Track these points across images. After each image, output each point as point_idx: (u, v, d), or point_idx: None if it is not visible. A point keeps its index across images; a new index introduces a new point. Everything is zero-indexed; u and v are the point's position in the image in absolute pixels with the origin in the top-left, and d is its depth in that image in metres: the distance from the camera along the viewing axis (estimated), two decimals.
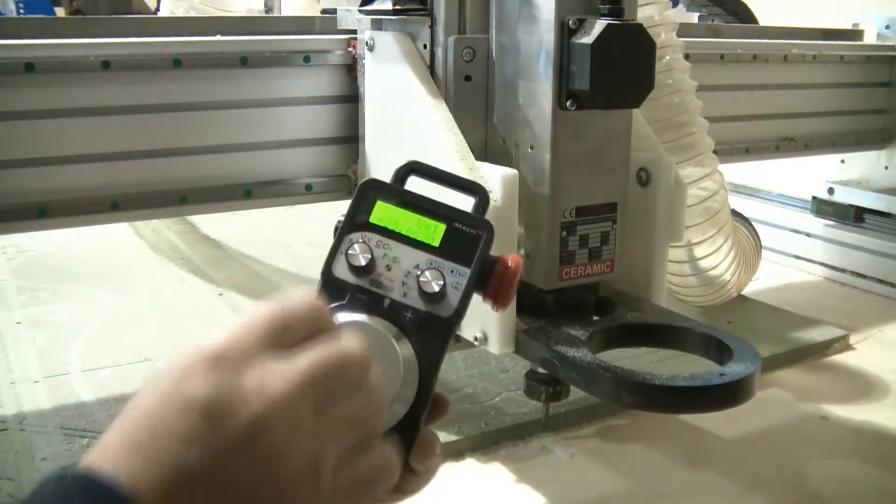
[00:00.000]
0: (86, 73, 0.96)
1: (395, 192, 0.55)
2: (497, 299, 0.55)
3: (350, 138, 1.10)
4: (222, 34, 1.07)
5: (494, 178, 0.84)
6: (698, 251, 1.29)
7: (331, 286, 0.52)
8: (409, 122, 0.94)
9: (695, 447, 1.14)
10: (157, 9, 2.13)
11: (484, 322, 0.89)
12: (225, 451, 0.40)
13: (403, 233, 0.53)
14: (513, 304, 0.87)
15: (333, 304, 0.52)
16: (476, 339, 0.90)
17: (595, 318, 0.93)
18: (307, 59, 1.07)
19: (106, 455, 0.40)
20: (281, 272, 1.82)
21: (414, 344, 0.51)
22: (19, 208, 0.96)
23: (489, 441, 1.13)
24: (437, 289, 0.52)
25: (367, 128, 1.04)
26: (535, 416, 1.16)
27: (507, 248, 0.84)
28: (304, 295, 0.46)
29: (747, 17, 2.06)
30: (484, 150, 0.95)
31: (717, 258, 1.30)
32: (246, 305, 1.63)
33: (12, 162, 0.95)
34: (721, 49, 1.45)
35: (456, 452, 1.10)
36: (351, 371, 0.44)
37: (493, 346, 0.88)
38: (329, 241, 0.55)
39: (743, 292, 1.61)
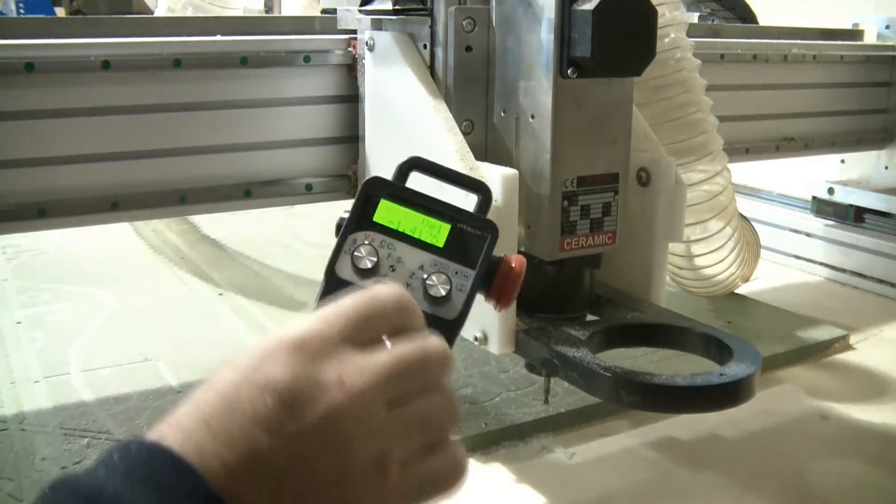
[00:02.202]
0: (86, 73, 0.96)
1: (399, 190, 0.55)
2: (500, 300, 0.55)
3: (350, 138, 1.10)
4: (222, 34, 1.07)
5: (494, 177, 0.84)
6: (704, 247, 1.29)
7: (334, 286, 0.52)
8: (409, 121, 0.94)
9: (695, 447, 1.14)
10: (156, 6, 2.12)
11: (484, 322, 0.89)
12: (297, 439, 0.40)
13: (407, 233, 0.53)
14: (513, 304, 0.87)
15: None
16: (476, 338, 0.90)
17: (594, 317, 0.93)
18: (307, 59, 1.07)
19: (178, 428, 0.40)
20: (281, 272, 1.82)
21: None
22: (19, 208, 0.96)
23: (489, 441, 1.13)
24: (444, 293, 0.52)
25: (367, 128, 1.04)
26: (535, 416, 1.16)
27: (508, 248, 0.84)
28: (391, 288, 0.46)
29: (747, 16, 2.06)
30: (485, 123, 0.95)
31: (722, 254, 1.30)
32: (246, 305, 1.63)
33: (12, 162, 0.95)
34: (721, 49, 1.45)
35: None
36: (431, 370, 0.44)
37: (493, 346, 0.88)
38: (329, 241, 0.55)
39: (743, 292, 1.61)
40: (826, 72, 1.62)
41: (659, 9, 0.85)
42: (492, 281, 0.54)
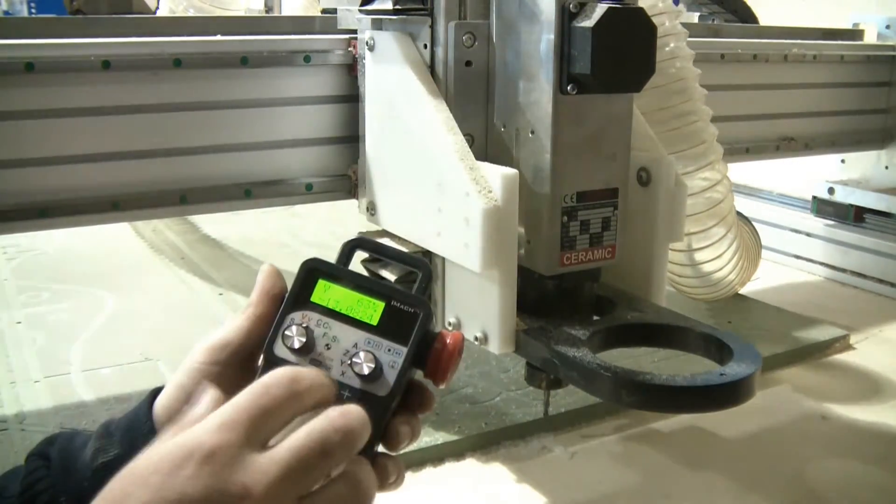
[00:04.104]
0: (86, 72, 0.96)
1: (336, 270, 0.57)
2: (435, 377, 0.56)
3: (350, 138, 1.10)
4: (223, 34, 1.07)
5: (494, 177, 0.83)
6: (705, 254, 1.29)
7: (272, 365, 0.53)
8: (409, 121, 0.94)
9: (695, 447, 1.14)
10: (157, 7, 2.12)
11: (484, 322, 0.89)
12: None
13: (343, 311, 0.55)
14: (514, 302, 0.87)
15: None
16: (476, 338, 0.90)
17: (595, 317, 0.93)
18: (307, 59, 1.06)
19: None
20: (281, 272, 1.81)
21: None
22: (19, 208, 0.95)
23: (489, 441, 1.13)
24: (367, 371, 0.53)
25: (367, 128, 1.04)
26: (535, 416, 1.17)
27: (510, 248, 0.84)
28: (280, 374, 0.47)
29: (748, 16, 2.06)
30: (485, 137, 0.95)
31: (724, 260, 1.30)
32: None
33: (12, 162, 0.94)
34: (721, 49, 1.45)
35: (456, 452, 1.10)
36: (333, 455, 0.46)
37: (494, 346, 0.88)
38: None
39: (743, 292, 1.61)
40: (826, 72, 1.62)
41: (658, 18, 0.85)
42: (426, 357, 0.55)
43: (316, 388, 0.48)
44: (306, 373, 0.49)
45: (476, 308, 0.90)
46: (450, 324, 0.94)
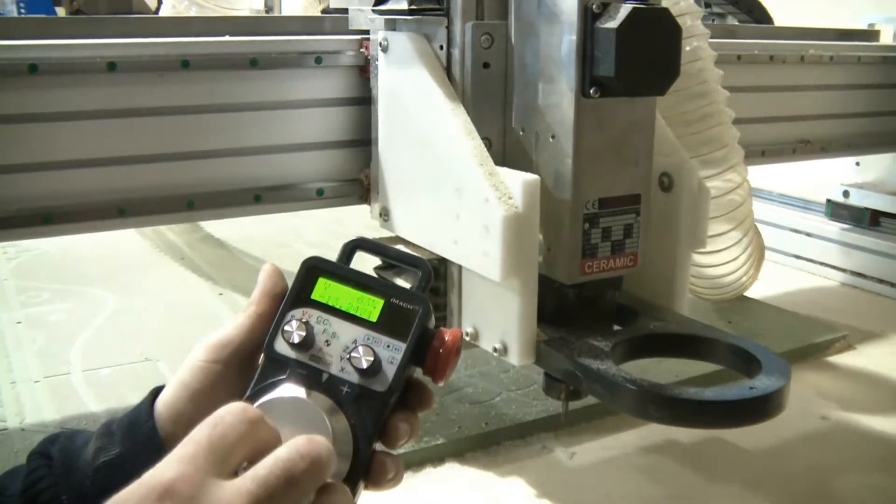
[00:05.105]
0: (91, 74, 0.93)
1: (336, 268, 0.57)
2: (434, 374, 0.56)
3: (362, 141, 1.07)
4: (231, 35, 1.05)
5: (515, 183, 0.81)
6: (720, 257, 1.28)
7: (272, 361, 0.54)
8: (424, 125, 0.92)
9: (695, 447, 1.14)
10: (158, 8, 2.10)
11: (503, 332, 0.86)
12: None
13: (343, 308, 0.55)
14: (534, 312, 0.85)
15: (272, 380, 0.53)
16: (495, 349, 0.88)
17: (616, 327, 0.91)
18: (318, 61, 1.04)
19: None
20: (282, 272, 1.80)
21: (350, 418, 0.52)
22: (23, 214, 0.93)
23: (489, 441, 1.13)
24: (365, 365, 0.53)
25: (380, 131, 1.02)
26: (535, 417, 1.16)
27: (530, 257, 0.82)
28: (233, 407, 0.47)
29: (763, 17, 2.04)
30: (503, 141, 0.92)
31: (737, 263, 1.29)
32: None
33: (15, 167, 0.92)
34: (738, 50, 1.43)
35: (456, 452, 1.10)
36: (300, 485, 0.45)
37: (513, 357, 0.86)
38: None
39: (748, 293, 1.60)
40: (843, 73, 1.59)
41: (681, 19, 0.83)
42: (425, 355, 0.55)
43: (264, 420, 0.48)
44: (253, 406, 0.49)
45: (495, 318, 0.88)
46: (467, 333, 0.92)
